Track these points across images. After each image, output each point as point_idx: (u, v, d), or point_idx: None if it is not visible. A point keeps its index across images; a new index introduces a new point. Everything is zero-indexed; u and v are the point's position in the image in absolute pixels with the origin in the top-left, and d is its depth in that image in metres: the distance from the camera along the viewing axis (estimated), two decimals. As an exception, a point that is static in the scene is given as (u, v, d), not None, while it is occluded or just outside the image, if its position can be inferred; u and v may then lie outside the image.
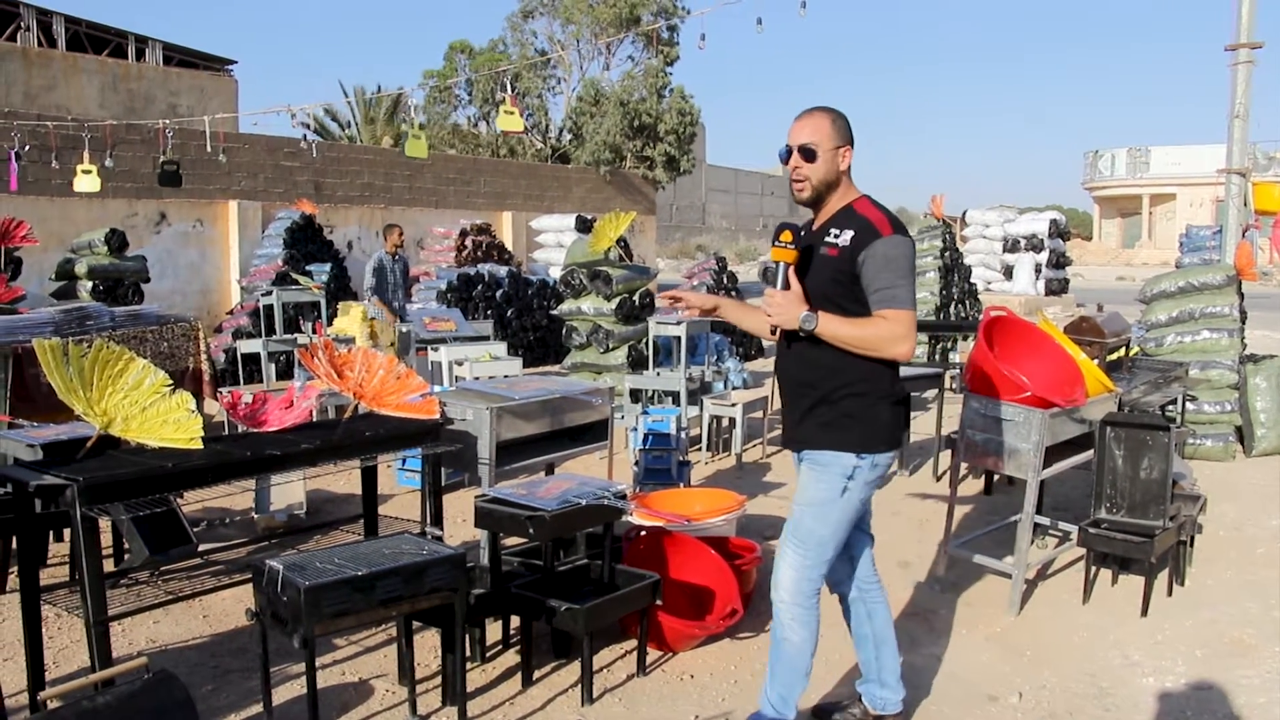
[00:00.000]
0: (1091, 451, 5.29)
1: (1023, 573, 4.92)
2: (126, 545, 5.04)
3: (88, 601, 3.37)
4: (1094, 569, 5.10)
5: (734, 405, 8.05)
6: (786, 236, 3.26)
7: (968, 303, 13.71)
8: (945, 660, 4.32)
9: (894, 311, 3.18)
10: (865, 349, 3.22)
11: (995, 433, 4.91)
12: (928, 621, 4.75)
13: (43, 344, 3.62)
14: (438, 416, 4.33)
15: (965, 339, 12.65)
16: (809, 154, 3.27)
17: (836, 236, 3.27)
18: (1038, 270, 20.64)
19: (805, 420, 3.36)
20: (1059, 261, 21.28)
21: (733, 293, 14.39)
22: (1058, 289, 21.12)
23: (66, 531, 5.58)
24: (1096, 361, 5.72)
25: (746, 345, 14.51)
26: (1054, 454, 5.00)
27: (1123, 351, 6.97)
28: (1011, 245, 20.87)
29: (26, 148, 12.50)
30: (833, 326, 3.20)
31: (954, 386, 10.47)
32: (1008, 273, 20.76)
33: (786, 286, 3.26)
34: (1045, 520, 5.83)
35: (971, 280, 14.03)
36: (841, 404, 3.29)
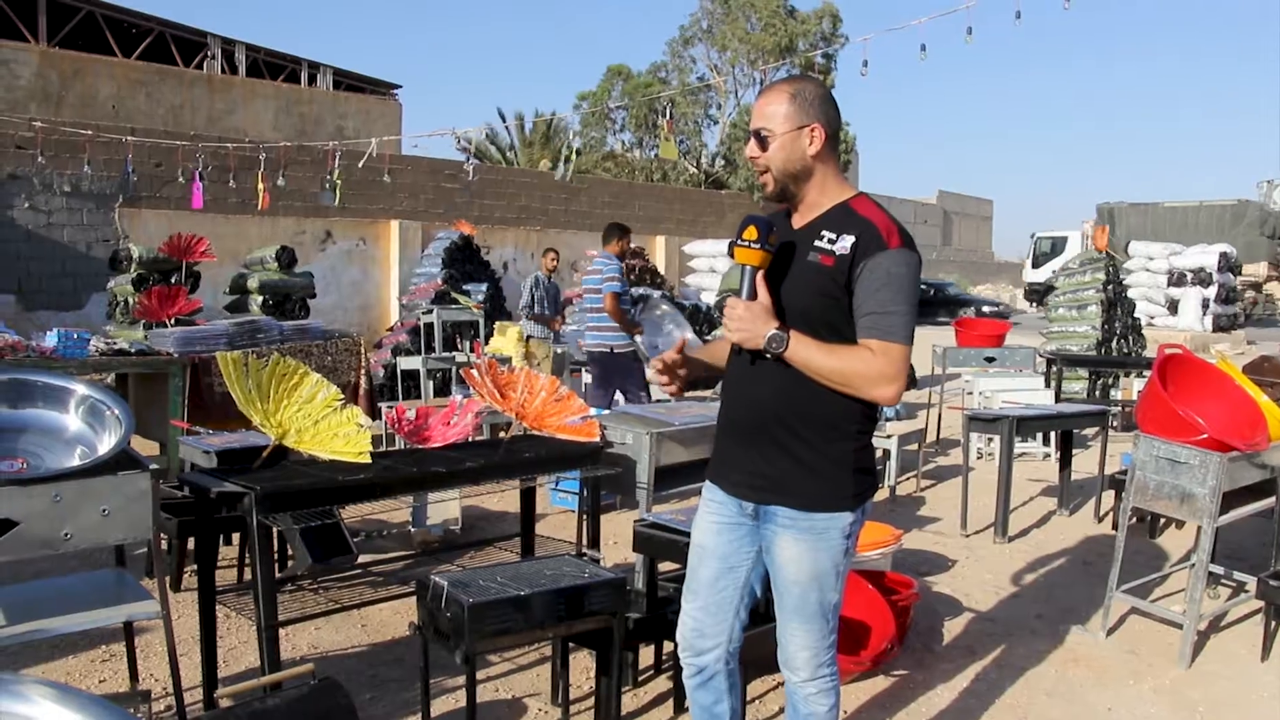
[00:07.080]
0: (1273, 499, 5.03)
1: (1195, 623, 4.70)
2: (290, 552, 5.23)
3: (260, 606, 3.48)
4: (1274, 624, 4.84)
5: (889, 437, 7.91)
6: (751, 233, 2.61)
7: (1130, 338, 13.26)
8: (1111, 711, 4.15)
9: (884, 344, 2.54)
10: (841, 385, 2.58)
11: (1168, 476, 4.72)
12: (1091, 669, 4.57)
13: (224, 356, 3.79)
14: (598, 439, 4.37)
15: (1128, 375, 12.21)
16: (762, 140, 2.69)
17: (833, 242, 2.61)
18: (1205, 305, 19.87)
19: (782, 466, 2.69)
20: (1229, 296, 20.48)
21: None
22: (1227, 325, 20.30)
23: (234, 536, 5.79)
24: (1278, 404, 5.45)
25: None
26: (1231, 500, 4.76)
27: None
28: (1177, 279, 20.16)
29: (209, 168, 13.12)
30: (806, 353, 2.57)
31: (1116, 425, 10.11)
32: (1172, 307, 20.05)
33: (753, 296, 2.64)
34: (1218, 569, 5.56)
35: (1135, 315, 13.57)
36: (833, 447, 2.66)
